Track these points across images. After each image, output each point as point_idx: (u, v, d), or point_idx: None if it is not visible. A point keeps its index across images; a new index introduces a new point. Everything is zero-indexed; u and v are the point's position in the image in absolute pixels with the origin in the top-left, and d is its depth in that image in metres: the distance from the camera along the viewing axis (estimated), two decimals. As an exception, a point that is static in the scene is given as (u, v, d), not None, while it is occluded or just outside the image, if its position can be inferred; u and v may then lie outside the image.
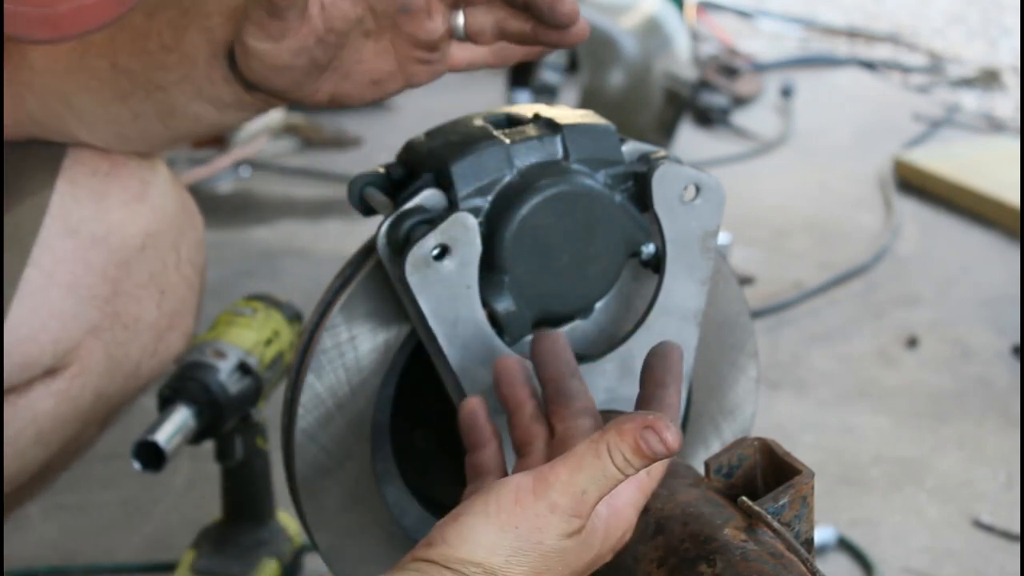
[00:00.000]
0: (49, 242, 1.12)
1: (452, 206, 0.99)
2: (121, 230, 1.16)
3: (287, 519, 1.53)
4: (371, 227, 1.02)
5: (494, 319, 1.00)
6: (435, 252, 0.96)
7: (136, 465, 1.28)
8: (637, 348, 1.04)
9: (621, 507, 0.86)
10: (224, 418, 1.35)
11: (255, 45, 0.97)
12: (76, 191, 1.14)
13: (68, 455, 1.25)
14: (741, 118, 3.35)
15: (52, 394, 1.16)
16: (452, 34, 1.01)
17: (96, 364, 1.18)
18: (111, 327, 1.18)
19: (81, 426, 1.21)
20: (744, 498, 0.87)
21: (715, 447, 1.15)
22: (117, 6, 0.76)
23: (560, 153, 1.02)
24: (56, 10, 0.74)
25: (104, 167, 1.15)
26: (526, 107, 1.08)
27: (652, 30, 2.94)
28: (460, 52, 1.03)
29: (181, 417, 1.31)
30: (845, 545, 1.65)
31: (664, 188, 1.01)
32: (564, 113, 1.05)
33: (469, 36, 1.01)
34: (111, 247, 1.16)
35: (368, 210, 1.07)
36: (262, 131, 3.03)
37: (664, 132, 2.92)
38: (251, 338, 1.40)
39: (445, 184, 1.00)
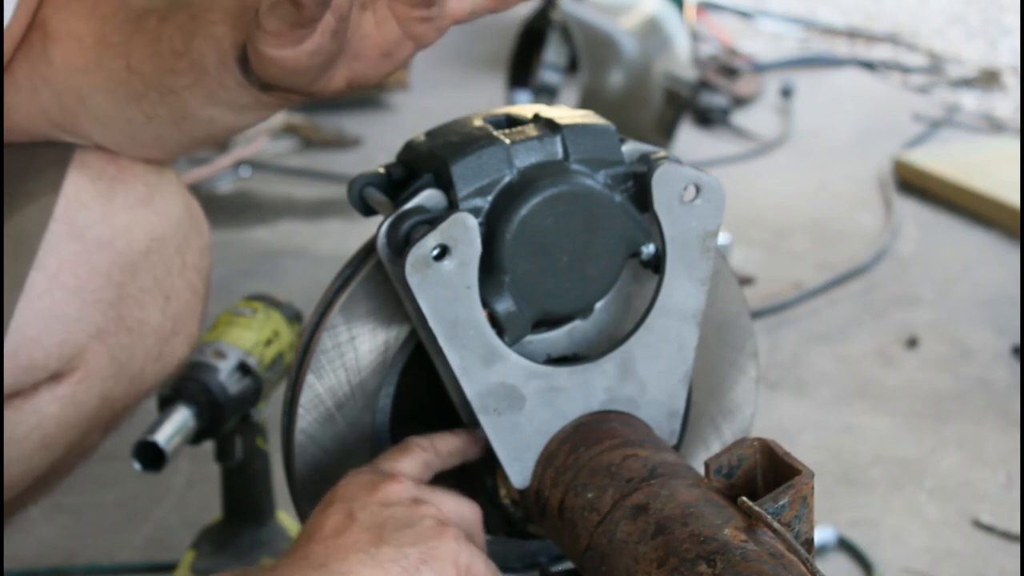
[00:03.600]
0: (54, 245, 1.12)
1: (452, 206, 0.99)
2: (126, 234, 1.16)
3: (287, 519, 1.53)
4: (371, 227, 1.02)
5: (494, 319, 1.00)
6: (435, 252, 0.96)
7: (136, 465, 1.28)
8: (637, 348, 1.04)
9: None
10: (224, 418, 1.35)
11: (272, 53, 0.96)
12: (82, 195, 1.14)
13: (72, 459, 1.25)
14: (741, 118, 3.35)
15: (57, 399, 1.16)
16: None
17: (101, 368, 1.18)
18: (115, 331, 1.18)
19: (86, 431, 1.21)
20: (744, 498, 0.87)
21: (715, 447, 1.15)
22: None
23: (560, 153, 1.02)
24: None
25: (111, 171, 1.15)
26: (526, 107, 1.08)
27: (652, 30, 2.94)
28: (459, 2, 1.02)
29: (181, 417, 1.31)
30: (845, 545, 1.65)
31: (664, 188, 1.01)
32: (564, 113, 1.05)
33: None
34: (116, 251, 1.16)
35: (368, 210, 1.07)
36: (262, 131, 3.03)
37: (664, 132, 2.92)
38: (251, 338, 1.40)
39: (445, 184, 1.00)
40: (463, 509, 1.00)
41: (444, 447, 1.04)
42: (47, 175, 1.13)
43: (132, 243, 1.17)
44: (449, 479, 1.08)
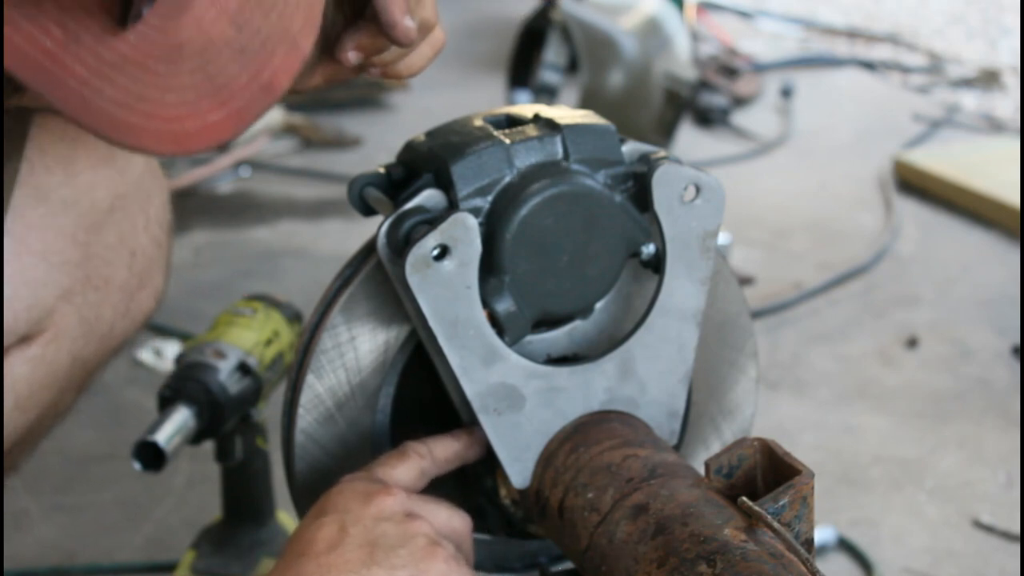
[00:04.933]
0: (20, 210, 1.13)
1: (452, 206, 0.99)
2: (90, 193, 1.17)
3: (287, 519, 1.53)
4: (371, 227, 1.03)
5: (494, 319, 1.00)
6: (435, 252, 0.96)
7: (136, 465, 1.28)
8: (637, 348, 1.04)
9: None
10: (224, 418, 1.35)
11: None
12: (45, 158, 1.14)
13: (47, 421, 1.25)
14: (741, 118, 3.35)
15: (28, 360, 1.16)
16: None
17: (70, 328, 1.18)
18: (83, 290, 1.18)
19: (58, 391, 1.21)
20: (744, 498, 0.87)
21: (715, 447, 1.15)
22: (237, 124, 0.78)
23: (560, 153, 1.02)
24: (183, 127, 0.76)
25: (71, 132, 1.15)
26: (526, 107, 1.08)
27: (652, 30, 2.94)
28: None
29: (181, 417, 1.31)
30: (845, 545, 1.65)
31: (664, 188, 1.01)
32: (564, 113, 1.05)
33: None
34: (80, 211, 1.16)
35: (368, 210, 1.07)
36: (262, 131, 3.03)
37: (664, 132, 2.92)
38: (251, 338, 1.40)
39: (445, 184, 1.00)
40: (455, 522, 1.00)
41: (442, 453, 1.03)
42: (8, 142, 1.13)
43: (95, 202, 1.17)
44: (449, 478, 1.08)
